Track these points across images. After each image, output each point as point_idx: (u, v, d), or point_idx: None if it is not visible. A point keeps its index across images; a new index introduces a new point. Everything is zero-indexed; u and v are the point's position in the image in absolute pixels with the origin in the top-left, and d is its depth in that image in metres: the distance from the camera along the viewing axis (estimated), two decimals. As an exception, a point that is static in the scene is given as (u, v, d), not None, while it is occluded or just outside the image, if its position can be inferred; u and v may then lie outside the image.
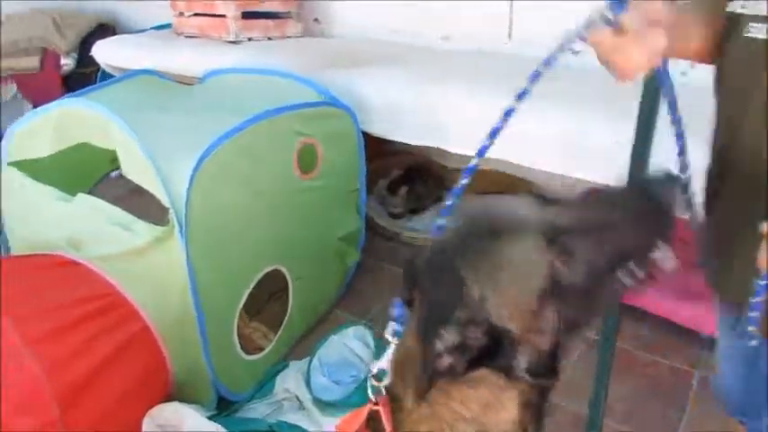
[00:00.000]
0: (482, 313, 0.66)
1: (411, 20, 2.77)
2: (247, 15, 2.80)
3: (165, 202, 1.49)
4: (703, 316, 1.95)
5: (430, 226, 2.70)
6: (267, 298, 2.10)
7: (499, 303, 0.67)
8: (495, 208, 0.75)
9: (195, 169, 1.51)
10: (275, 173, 1.79)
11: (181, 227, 1.49)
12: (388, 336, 0.81)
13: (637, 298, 1.98)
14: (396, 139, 2.12)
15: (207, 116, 1.75)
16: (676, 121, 0.89)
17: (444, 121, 1.97)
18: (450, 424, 0.72)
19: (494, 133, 0.87)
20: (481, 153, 0.90)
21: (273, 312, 2.05)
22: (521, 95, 0.84)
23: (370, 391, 0.80)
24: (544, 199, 0.74)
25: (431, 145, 2.04)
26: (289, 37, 2.96)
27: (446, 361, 0.65)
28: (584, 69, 2.42)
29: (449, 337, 0.65)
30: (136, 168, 1.56)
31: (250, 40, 2.82)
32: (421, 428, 0.74)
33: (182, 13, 2.97)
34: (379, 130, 2.12)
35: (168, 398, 1.65)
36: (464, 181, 0.88)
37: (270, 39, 2.88)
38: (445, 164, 2.98)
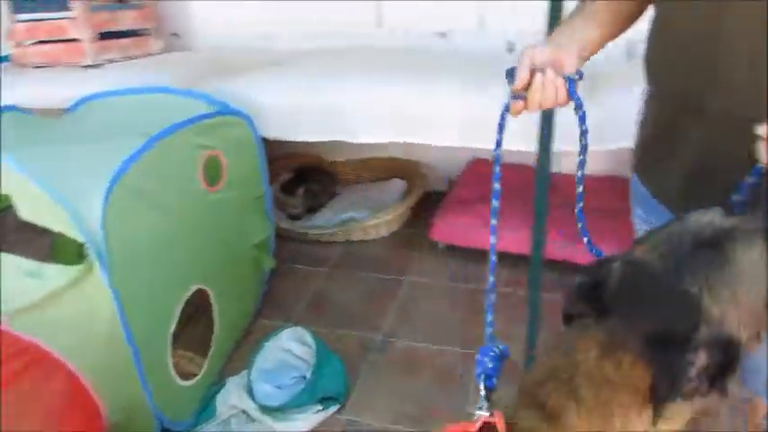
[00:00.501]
0: (723, 331, 0.66)
1: (280, 23, 2.79)
2: (104, 36, 2.66)
3: (79, 237, 1.40)
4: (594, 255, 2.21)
5: (332, 221, 2.78)
6: (185, 322, 2.03)
7: (736, 317, 0.67)
8: (694, 225, 0.72)
9: (106, 198, 1.43)
10: (183, 189, 1.74)
11: (102, 260, 1.41)
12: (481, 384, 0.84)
13: (559, 252, 2.19)
14: (297, 140, 2.15)
15: (100, 144, 1.65)
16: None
17: (344, 113, 2.03)
18: None
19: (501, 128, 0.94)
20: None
21: (196, 335, 1.99)
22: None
23: (482, 405, 0.81)
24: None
25: (335, 139, 2.09)
26: (150, 54, 2.85)
27: (693, 384, 0.66)
28: (473, 53, 2.62)
29: (699, 361, 0.65)
30: (35, 208, 1.44)
31: (111, 62, 2.68)
32: None
33: (20, 43, 2.73)
34: (279, 133, 2.13)
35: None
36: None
37: (131, 58, 2.75)
38: (334, 159, 3.06)
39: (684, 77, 0.91)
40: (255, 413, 1.79)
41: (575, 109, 0.91)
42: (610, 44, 1.03)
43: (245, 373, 1.90)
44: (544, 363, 0.81)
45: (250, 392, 1.84)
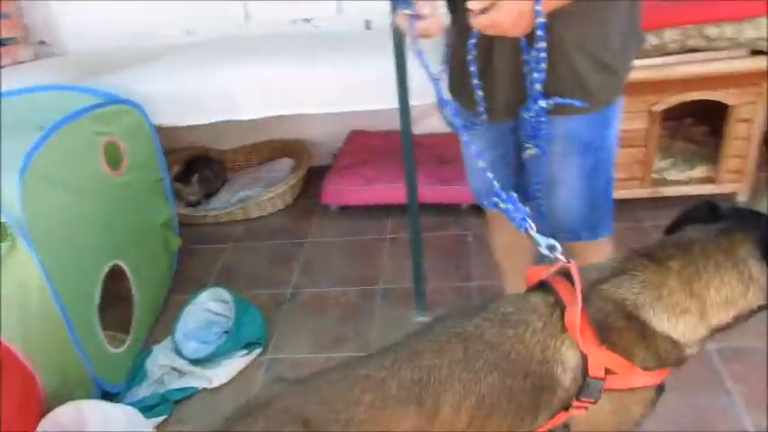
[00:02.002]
0: None
1: (150, 22, 2.92)
2: (-31, 47, 2.66)
3: (0, 218, 1.53)
4: (458, 194, 2.59)
5: (229, 202, 2.97)
6: (103, 306, 2.14)
7: None
8: None
9: (20, 184, 1.56)
10: (88, 173, 1.88)
11: (26, 237, 1.54)
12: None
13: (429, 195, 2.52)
14: (185, 124, 2.32)
15: (5, 140, 1.76)
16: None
17: (227, 94, 2.23)
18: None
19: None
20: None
21: (116, 317, 2.11)
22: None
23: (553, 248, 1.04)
24: None
25: (221, 119, 2.29)
26: (21, 62, 2.87)
27: None
28: (336, 33, 2.85)
29: None
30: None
31: (-20, 72, 2.68)
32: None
33: None
34: (168, 119, 2.29)
35: (44, 414, 1.67)
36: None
37: (2, 67, 2.76)
38: (221, 148, 3.23)
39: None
40: (186, 367, 1.96)
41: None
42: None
43: (169, 338, 2.07)
44: (665, 239, 1.08)
45: (178, 352, 2.01)
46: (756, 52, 2.10)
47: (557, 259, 1.04)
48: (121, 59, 2.53)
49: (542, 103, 1.19)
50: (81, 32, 2.99)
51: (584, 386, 0.98)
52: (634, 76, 2.15)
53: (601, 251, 1.50)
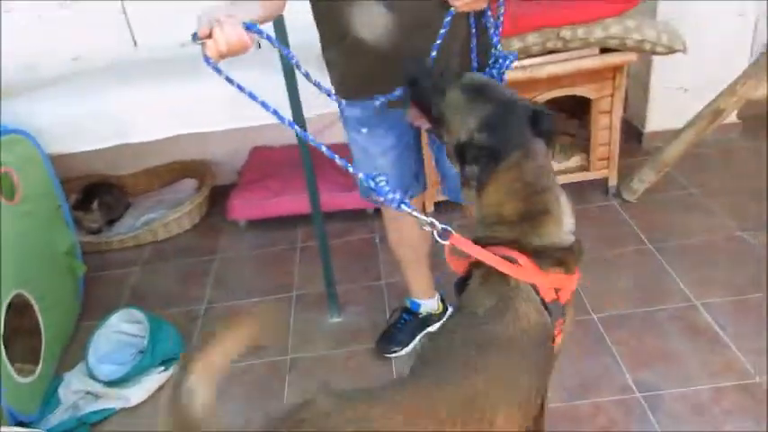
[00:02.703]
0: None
1: (40, 54, 2.85)
2: None
3: None
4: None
5: (134, 226, 2.95)
6: (9, 338, 2.09)
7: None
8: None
9: None
10: (-18, 204, 1.86)
11: None
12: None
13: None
14: (81, 150, 2.30)
15: None
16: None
17: (117, 119, 2.25)
18: None
19: None
20: None
21: (23, 348, 2.07)
22: None
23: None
24: None
25: (113, 144, 2.29)
26: None
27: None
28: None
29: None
30: None
31: None
32: None
33: None
34: (60, 147, 2.27)
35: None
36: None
37: None
38: (121, 174, 3.20)
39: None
40: (101, 389, 1.96)
41: None
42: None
43: (82, 363, 2.05)
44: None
45: (92, 376, 2.00)
46: (606, 50, 2.39)
47: (441, 234, 1.16)
48: (7, 90, 2.47)
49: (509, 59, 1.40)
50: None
51: (550, 312, 1.08)
52: (508, 77, 2.41)
53: None
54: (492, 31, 1.39)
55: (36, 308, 2.00)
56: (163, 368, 2.03)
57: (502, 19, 1.34)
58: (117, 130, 2.28)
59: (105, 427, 1.89)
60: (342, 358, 2.05)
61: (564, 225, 1.14)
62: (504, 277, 1.08)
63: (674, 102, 2.99)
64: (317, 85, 1.42)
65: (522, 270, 1.07)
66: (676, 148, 2.55)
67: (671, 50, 2.38)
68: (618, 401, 1.74)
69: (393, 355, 2.00)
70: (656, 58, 2.92)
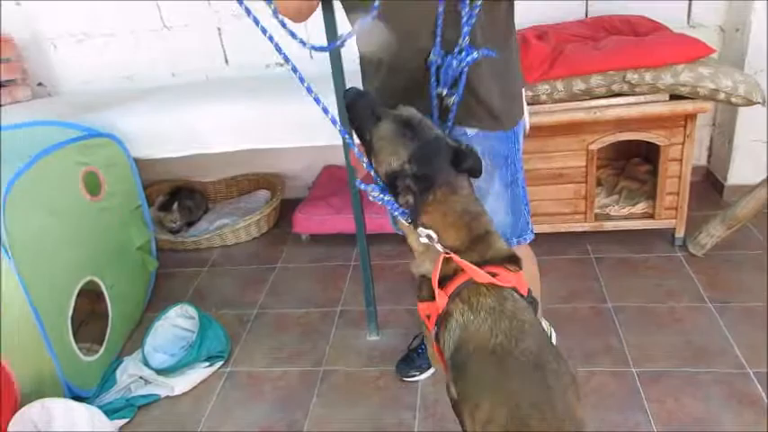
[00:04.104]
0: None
1: (139, 65, 3.19)
2: (-27, 88, 2.92)
3: (-17, 235, 1.74)
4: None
5: (207, 230, 3.18)
6: (80, 323, 2.33)
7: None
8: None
9: (3, 202, 1.78)
10: (68, 197, 2.10)
11: (6, 253, 1.75)
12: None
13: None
14: (161, 156, 2.53)
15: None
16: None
17: (199, 130, 2.46)
18: None
19: None
20: None
21: (92, 332, 2.30)
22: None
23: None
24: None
25: (195, 152, 2.51)
26: (19, 102, 3.12)
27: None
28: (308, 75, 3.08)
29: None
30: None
31: (-18, 109, 2.93)
32: None
33: None
34: (145, 152, 2.52)
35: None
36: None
37: (1, 106, 3.01)
38: (204, 180, 3.46)
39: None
40: (152, 376, 2.14)
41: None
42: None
43: (139, 350, 2.25)
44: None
45: (146, 363, 2.18)
46: (676, 96, 2.32)
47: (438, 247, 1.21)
48: (109, 99, 2.78)
49: (475, 54, 1.32)
50: (75, 75, 3.27)
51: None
52: (570, 117, 2.40)
53: (527, 253, 1.72)
54: (464, 20, 1.29)
55: (105, 294, 2.22)
56: (207, 363, 2.19)
57: (476, 11, 1.26)
58: (198, 140, 2.49)
59: (149, 410, 2.06)
60: (372, 376, 2.11)
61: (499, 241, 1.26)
62: (494, 289, 1.17)
63: (759, 155, 2.84)
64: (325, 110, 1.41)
65: (503, 277, 1.19)
66: (749, 205, 2.41)
67: (748, 102, 2.27)
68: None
69: (411, 379, 2.04)
70: (742, 109, 2.79)
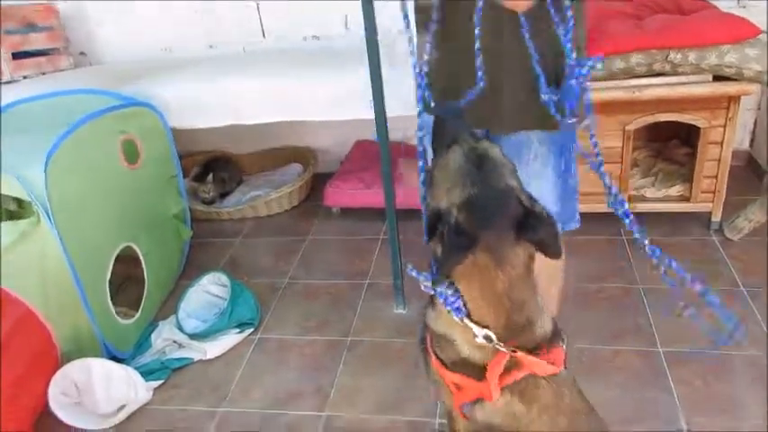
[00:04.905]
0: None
1: (178, 37, 3.23)
2: (17, 56, 2.99)
3: (27, 197, 1.80)
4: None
5: (241, 201, 3.24)
6: (118, 287, 2.41)
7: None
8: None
9: (46, 166, 1.84)
10: (107, 164, 2.16)
11: (48, 214, 1.82)
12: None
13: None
14: (199, 126, 2.58)
15: (35, 133, 2.05)
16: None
17: (236, 101, 2.49)
18: None
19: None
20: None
21: (129, 297, 2.37)
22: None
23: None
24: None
25: (230, 123, 2.54)
26: (62, 70, 3.20)
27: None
28: (342, 49, 3.07)
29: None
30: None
31: (25, 77, 3.02)
32: None
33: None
34: (184, 123, 2.56)
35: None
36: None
37: (44, 73, 3.09)
38: (238, 152, 3.51)
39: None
40: (185, 340, 2.21)
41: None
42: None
43: (173, 315, 2.32)
44: None
45: (180, 328, 2.25)
46: (720, 77, 2.26)
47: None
48: (148, 69, 2.83)
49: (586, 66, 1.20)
50: (116, 45, 3.33)
51: None
52: (607, 96, 2.35)
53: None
54: (563, 36, 1.18)
55: (142, 260, 2.29)
56: (238, 330, 2.25)
57: (572, 23, 1.14)
58: (233, 112, 2.51)
59: (182, 373, 2.13)
60: (397, 347, 2.14)
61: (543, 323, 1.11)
62: (551, 383, 1.11)
63: (804, 139, 2.75)
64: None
65: (557, 362, 1.10)
66: (790, 189, 2.35)
67: (795, 84, 2.19)
68: (661, 441, 1.68)
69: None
70: (789, 92, 2.70)
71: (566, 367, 1.15)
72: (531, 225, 0.98)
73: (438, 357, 1.16)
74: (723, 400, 1.78)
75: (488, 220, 0.97)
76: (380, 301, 2.40)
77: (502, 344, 1.04)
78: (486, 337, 1.04)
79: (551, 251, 1.00)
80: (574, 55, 1.20)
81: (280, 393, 2.00)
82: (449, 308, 1.06)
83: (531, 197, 1.04)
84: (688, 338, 2.01)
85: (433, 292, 1.07)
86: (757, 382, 1.82)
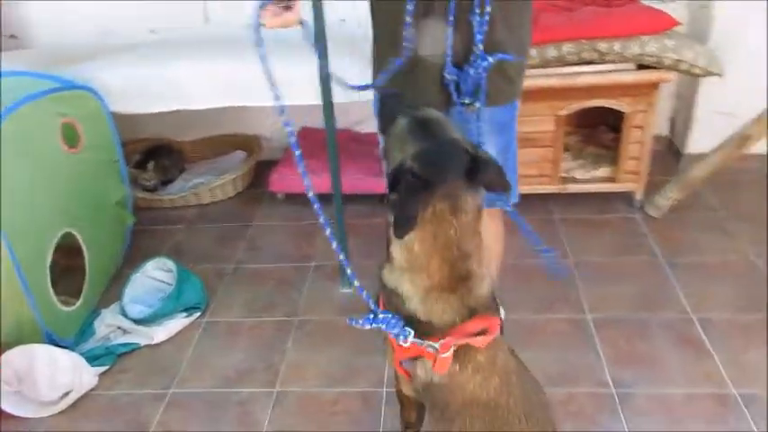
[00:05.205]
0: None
1: (117, 20, 3.16)
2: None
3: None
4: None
5: (183, 188, 3.20)
6: (58, 275, 2.35)
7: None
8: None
9: (-17, 148, 1.80)
10: (47, 147, 2.11)
11: (-15, 197, 1.78)
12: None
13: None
14: (145, 112, 2.54)
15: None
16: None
17: (179, 85, 2.47)
18: None
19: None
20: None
21: (69, 285, 2.31)
22: None
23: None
24: None
25: (175, 108, 2.52)
26: (-9, 53, 3.07)
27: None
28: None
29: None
30: None
31: (-48, 61, 2.88)
32: None
33: None
34: (126, 107, 2.52)
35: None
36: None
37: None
38: (182, 140, 3.47)
39: None
40: (131, 326, 2.20)
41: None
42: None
43: (117, 302, 2.30)
44: None
45: (124, 314, 2.24)
46: (642, 66, 2.43)
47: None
48: (85, 53, 2.75)
49: (487, 61, 1.39)
50: (50, 28, 3.22)
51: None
52: (541, 83, 2.49)
53: (498, 212, 1.78)
54: (476, 28, 1.36)
55: (83, 247, 2.25)
56: (185, 314, 2.25)
57: (487, 17, 1.33)
58: (179, 96, 2.49)
59: (129, 358, 2.12)
60: (344, 325, 2.13)
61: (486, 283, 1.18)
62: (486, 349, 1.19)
63: (717, 126, 2.97)
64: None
65: (491, 330, 1.17)
66: (702, 170, 2.56)
67: (707, 73, 2.40)
68: (592, 394, 1.82)
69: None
70: (704, 82, 2.92)
71: (502, 333, 1.24)
72: (478, 168, 1.07)
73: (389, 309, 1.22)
74: (644, 357, 1.96)
75: (441, 168, 1.06)
76: (326, 282, 2.46)
77: (453, 340, 1.13)
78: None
79: (500, 186, 1.12)
80: (481, 47, 1.38)
81: (230, 373, 2.03)
82: (391, 333, 1.16)
83: (474, 145, 1.14)
84: (613, 306, 2.17)
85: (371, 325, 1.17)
86: (672, 341, 2.01)
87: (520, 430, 1.20)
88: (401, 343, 1.16)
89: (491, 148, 1.59)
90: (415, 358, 1.21)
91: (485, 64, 1.37)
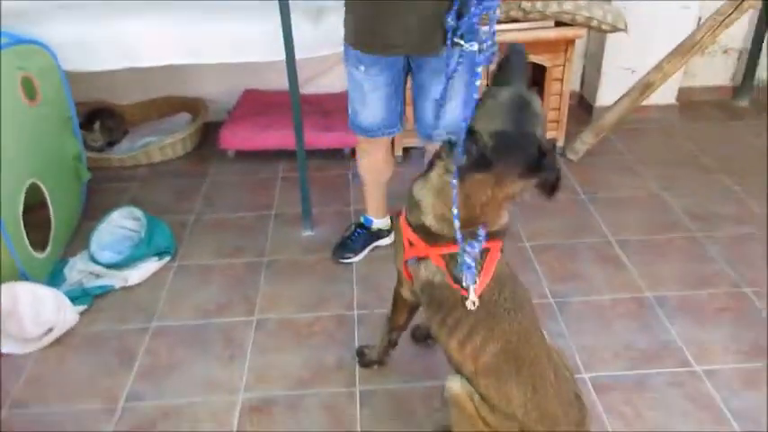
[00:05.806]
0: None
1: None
2: None
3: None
4: (341, 140, 3.06)
5: (132, 148, 3.25)
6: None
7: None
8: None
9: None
10: (9, 99, 2.12)
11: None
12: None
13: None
14: (93, 69, 2.58)
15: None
16: None
17: (128, 43, 2.54)
18: None
19: None
20: None
21: (34, 236, 2.36)
22: None
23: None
24: None
25: (124, 66, 2.58)
26: None
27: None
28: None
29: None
30: None
31: None
32: None
33: None
34: (74, 65, 2.55)
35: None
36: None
37: None
38: (121, 103, 3.48)
39: None
40: (102, 270, 2.28)
41: None
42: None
43: (85, 251, 2.37)
44: None
45: (94, 260, 2.32)
46: (560, 24, 2.76)
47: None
48: (33, 8, 2.71)
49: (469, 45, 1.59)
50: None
51: None
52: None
53: None
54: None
55: (47, 196, 2.30)
56: (157, 258, 2.37)
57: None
58: (129, 54, 2.56)
59: (105, 299, 2.22)
60: (311, 263, 2.41)
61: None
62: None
63: (622, 81, 3.37)
64: None
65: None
66: (612, 115, 2.95)
67: (614, 29, 2.75)
68: (536, 304, 2.11)
69: (346, 260, 2.38)
70: (609, 42, 3.31)
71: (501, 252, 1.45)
72: (541, 165, 1.18)
73: (406, 219, 1.45)
74: (575, 274, 2.30)
75: (508, 157, 1.19)
76: (289, 227, 2.63)
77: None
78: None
79: (547, 191, 1.23)
80: None
81: (209, 306, 2.18)
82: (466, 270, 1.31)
83: (547, 144, 1.23)
84: (546, 236, 2.50)
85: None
86: (596, 259, 2.37)
87: (508, 322, 1.39)
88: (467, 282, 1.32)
89: (465, 89, 1.71)
90: (420, 260, 1.43)
91: (478, 11, 1.50)
